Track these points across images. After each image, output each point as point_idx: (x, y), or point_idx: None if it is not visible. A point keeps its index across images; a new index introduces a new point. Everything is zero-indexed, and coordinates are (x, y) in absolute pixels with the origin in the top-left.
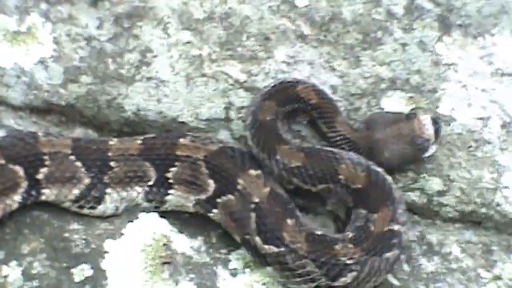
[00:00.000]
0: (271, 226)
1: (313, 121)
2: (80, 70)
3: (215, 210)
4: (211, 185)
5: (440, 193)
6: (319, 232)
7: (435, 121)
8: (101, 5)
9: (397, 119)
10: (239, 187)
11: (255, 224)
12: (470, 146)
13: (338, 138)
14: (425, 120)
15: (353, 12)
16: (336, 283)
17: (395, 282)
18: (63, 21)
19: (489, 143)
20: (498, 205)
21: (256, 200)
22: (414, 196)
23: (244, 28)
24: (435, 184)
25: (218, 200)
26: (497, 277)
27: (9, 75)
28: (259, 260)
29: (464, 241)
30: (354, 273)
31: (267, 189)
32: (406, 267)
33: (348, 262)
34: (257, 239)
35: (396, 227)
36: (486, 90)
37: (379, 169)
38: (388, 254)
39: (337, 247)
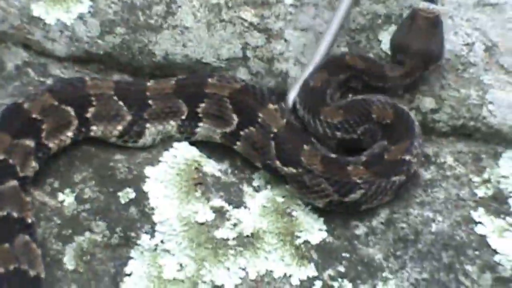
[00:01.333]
0: (289, 151)
1: (366, 84)
2: (114, 22)
3: (238, 143)
4: (235, 119)
5: (433, 111)
6: (333, 156)
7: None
8: None
9: (407, 27)
10: (259, 120)
11: (274, 150)
12: (458, 69)
13: (391, 84)
14: (424, 5)
15: None
16: (346, 199)
17: None
18: None
19: (474, 65)
20: (484, 118)
21: (275, 130)
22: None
23: None
24: (428, 103)
25: (241, 132)
26: (486, 181)
27: (54, 30)
28: (279, 179)
29: (457, 152)
30: (362, 191)
31: (284, 121)
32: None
33: (358, 181)
34: (278, 162)
35: (407, 157)
36: (470, 20)
37: (404, 107)
38: (394, 178)
39: (349, 168)
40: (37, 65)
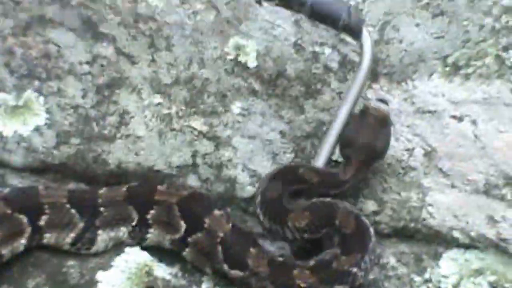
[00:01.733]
0: (236, 254)
1: (322, 194)
2: (70, 133)
3: (187, 249)
4: (182, 225)
5: (375, 213)
6: (280, 259)
7: (380, 100)
8: (84, 78)
9: (357, 122)
10: (205, 225)
11: (222, 255)
12: (399, 173)
13: (345, 187)
14: (374, 103)
15: (296, 69)
16: None
17: None
18: (53, 94)
19: (414, 169)
20: (424, 220)
21: (221, 234)
22: None
23: (205, 88)
24: (371, 205)
25: (189, 239)
26: (427, 280)
27: (11, 142)
28: (228, 283)
29: (399, 252)
30: None
31: (229, 225)
32: None
33: (302, 285)
34: (225, 266)
35: (354, 270)
36: (410, 126)
37: (366, 221)
38: (337, 287)
39: (295, 271)
40: None
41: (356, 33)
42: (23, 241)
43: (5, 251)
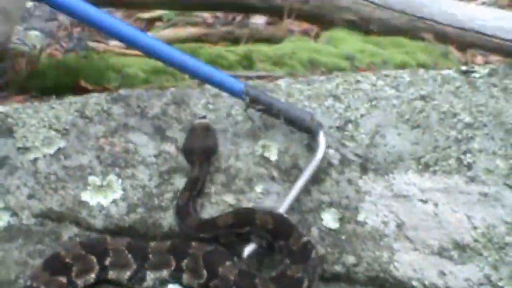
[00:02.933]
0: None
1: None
2: (137, 205)
3: None
4: (205, 273)
5: (354, 265)
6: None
7: (201, 117)
8: (151, 167)
9: (189, 136)
10: (219, 273)
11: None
12: (375, 238)
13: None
14: (197, 121)
15: (306, 163)
16: None
17: None
18: (128, 177)
19: (387, 236)
20: (391, 271)
21: (232, 278)
22: (337, 268)
23: (237, 175)
24: (351, 259)
25: (210, 283)
26: None
27: (95, 210)
28: None
29: None
30: None
31: (236, 271)
32: None
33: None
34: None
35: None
36: (388, 206)
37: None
38: None
39: (256, 280)
40: (83, 236)
41: (315, 133)
42: (93, 275)
43: (79, 282)
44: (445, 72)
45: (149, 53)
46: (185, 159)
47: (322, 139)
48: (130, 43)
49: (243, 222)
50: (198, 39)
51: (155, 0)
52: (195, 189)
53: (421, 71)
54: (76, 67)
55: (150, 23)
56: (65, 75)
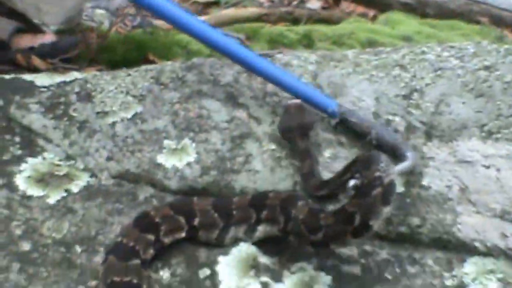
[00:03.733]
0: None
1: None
2: (210, 168)
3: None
4: (282, 219)
5: (418, 226)
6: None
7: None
8: (224, 132)
9: (285, 116)
10: (292, 215)
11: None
12: (439, 202)
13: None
14: (290, 101)
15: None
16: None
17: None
18: (202, 142)
19: (451, 200)
20: (454, 233)
21: (301, 217)
22: (402, 229)
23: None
24: (416, 221)
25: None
26: (454, 276)
27: (170, 172)
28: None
29: (435, 257)
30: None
31: (307, 209)
32: None
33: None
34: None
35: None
36: (451, 171)
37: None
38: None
39: (321, 216)
40: (158, 197)
41: (404, 157)
42: (182, 234)
43: (166, 240)
44: (507, 46)
45: (234, 60)
46: (283, 137)
47: (410, 162)
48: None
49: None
50: (258, 19)
51: None
52: (312, 157)
53: (485, 43)
54: (143, 42)
55: (206, 7)
56: (133, 49)
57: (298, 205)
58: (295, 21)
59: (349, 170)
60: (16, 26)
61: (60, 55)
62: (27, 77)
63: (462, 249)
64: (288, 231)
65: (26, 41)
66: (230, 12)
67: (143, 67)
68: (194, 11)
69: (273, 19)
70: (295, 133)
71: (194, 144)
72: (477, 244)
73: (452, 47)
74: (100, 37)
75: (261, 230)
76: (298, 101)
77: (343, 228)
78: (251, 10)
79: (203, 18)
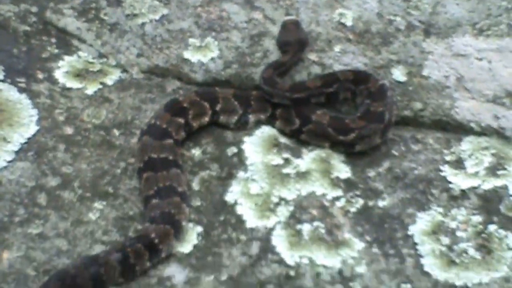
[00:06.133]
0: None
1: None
2: (232, 62)
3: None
4: (297, 120)
5: (421, 110)
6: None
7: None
8: (243, 31)
9: (283, 31)
10: (313, 119)
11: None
12: (438, 89)
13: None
14: (287, 18)
15: (377, 28)
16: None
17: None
18: (223, 40)
19: (449, 87)
20: (452, 115)
21: (325, 122)
22: (406, 112)
23: (319, 37)
24: (418, 105)
25: (303, 128)
26: (453, 152)
27: (196, 66)
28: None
29: (436, 137)
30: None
31: (327, 116)
32: None
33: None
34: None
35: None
36: (448, 64)
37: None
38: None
39: (346, 120)
40: (184, 89)
41: None
42: (206, 118)
43: (195, 124)
44: None
45: None
46: (280, 50)
47: None
48: None
49: (330, 82)
50: None
51: None
52: (278, 70)
53: None
54: None
55: None
56: None
57: (316, 112)
58: None
59: (331, 85)
60: None
61: None
62: None
63: (460, 129)
64: (303, 131)
65: None
66: None
67: None
68: None
69: None
70: (291, 47)
71: (216, 42)
72: (472, 124)
73: None
74: None
75: (279, 124)
76: (294, 18)
77: (376, 127)
78: None
79: None
